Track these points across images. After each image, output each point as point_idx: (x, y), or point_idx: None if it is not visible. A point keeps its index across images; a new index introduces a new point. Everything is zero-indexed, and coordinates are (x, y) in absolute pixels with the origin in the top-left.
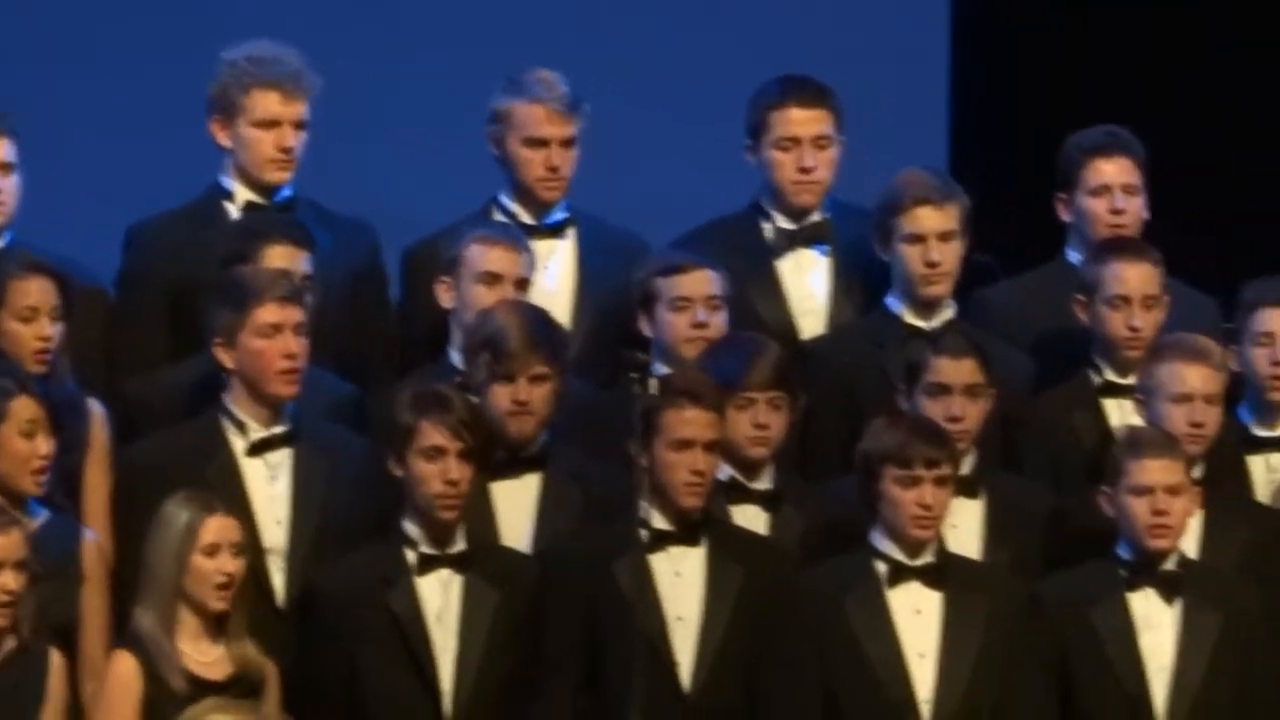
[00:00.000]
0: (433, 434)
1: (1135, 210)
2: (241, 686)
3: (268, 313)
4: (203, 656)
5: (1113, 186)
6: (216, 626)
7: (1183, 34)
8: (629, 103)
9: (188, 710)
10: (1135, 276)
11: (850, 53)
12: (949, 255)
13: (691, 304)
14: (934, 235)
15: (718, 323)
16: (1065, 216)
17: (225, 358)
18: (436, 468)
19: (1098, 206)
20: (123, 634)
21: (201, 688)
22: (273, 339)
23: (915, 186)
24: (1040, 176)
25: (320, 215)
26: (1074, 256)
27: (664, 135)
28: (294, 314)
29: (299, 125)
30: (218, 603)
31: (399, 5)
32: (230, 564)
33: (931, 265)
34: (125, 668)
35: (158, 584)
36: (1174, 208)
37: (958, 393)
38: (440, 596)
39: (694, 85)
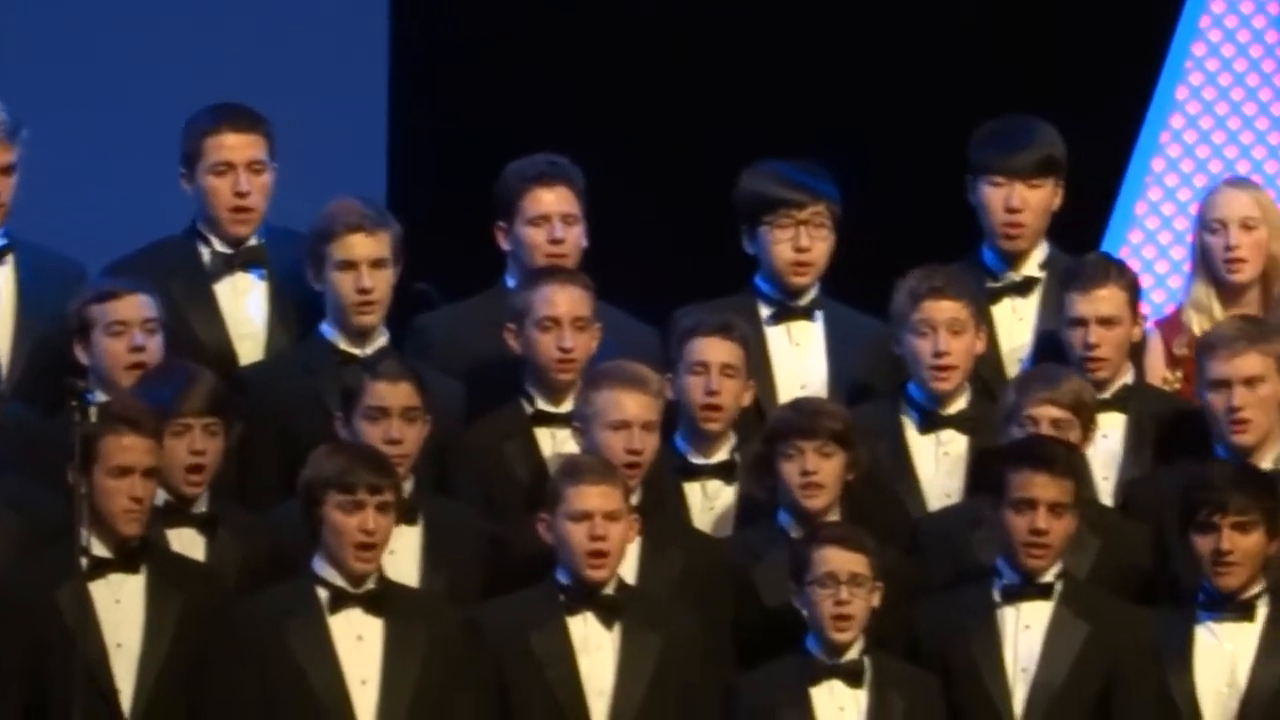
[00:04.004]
0: None
1: (574, 239)
2: None
3: None
4: None
5: (551, 215)
6: None
7: (621, 62)
8: (67, 129)
9: None
10: (564, 299)
11: (289, 80)
12: (381, 282)
13: (128, 328)
14: (366, 263)
15: (154, 346)
16: (505, 245)
17: None
18: None
19: (536, 235)
20: None
21: None
22: None
23: (346, 214)
24: (482, 204)
25: None
26: (513, 284)
27: (101, 161)
28: None
29: None
30: None
31: None
32: None
33: (364, 292)
34: None
35: None
36: (614, 237)
37: (395, 416)
38: None
39: (133, 111)
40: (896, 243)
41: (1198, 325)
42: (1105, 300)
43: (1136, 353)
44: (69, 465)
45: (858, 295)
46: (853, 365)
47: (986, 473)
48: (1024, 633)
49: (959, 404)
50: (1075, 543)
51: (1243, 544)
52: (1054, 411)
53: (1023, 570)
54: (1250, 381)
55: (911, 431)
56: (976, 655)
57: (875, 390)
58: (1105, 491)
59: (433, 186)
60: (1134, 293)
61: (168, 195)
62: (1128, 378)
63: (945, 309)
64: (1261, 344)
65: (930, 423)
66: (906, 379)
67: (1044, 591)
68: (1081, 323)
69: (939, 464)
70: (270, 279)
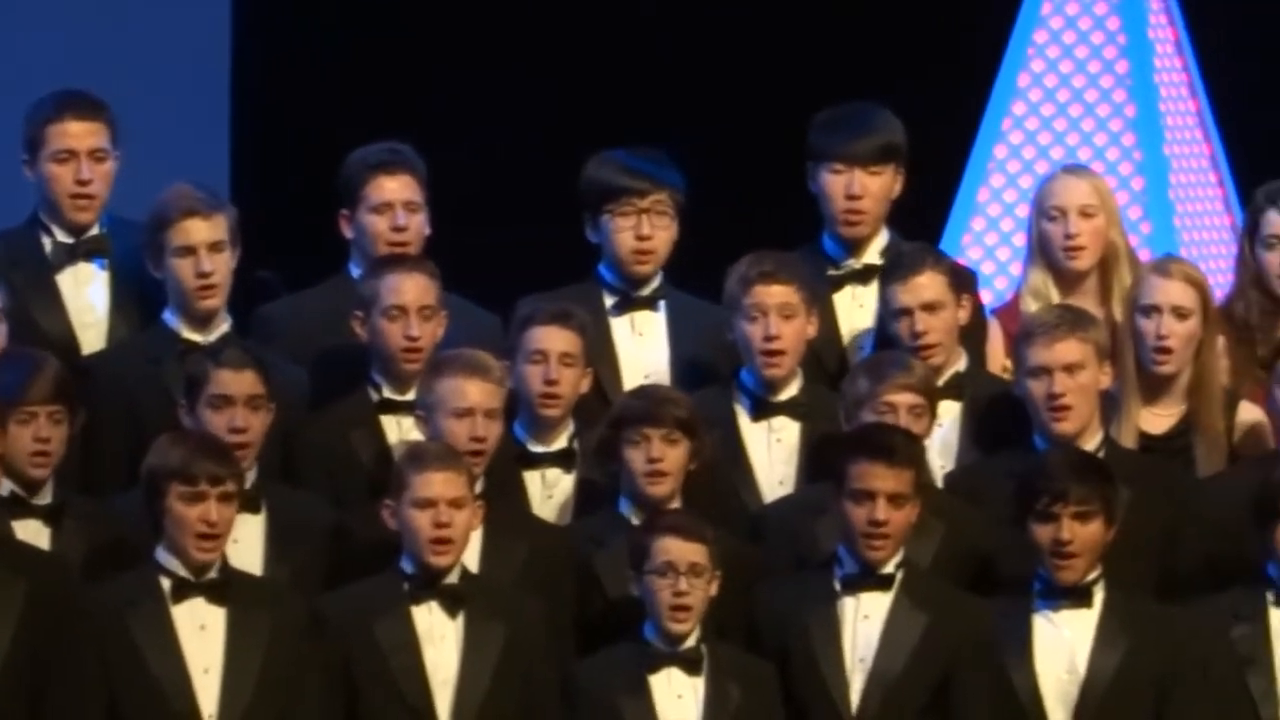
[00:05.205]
0: None
1: (417, 227)
2: None
3: None
4: None
5: (394, 203)
6: None
7: (464, 49)
8: None
9: None
10: (411, 287)
11: (131, 68)
12: (220, 265)
13: None
14: (203, 246)
15: None
16: (348, 233)
17: None
18: None
19: (379, 223)
20: None
21: None
22: None
23: (180, 200)
24: (325, 192)
25: None
26: (356, 273)
27: None
28: None
29: None
30: None
31: None
32: None
33: (203, 276)
34: None
35: None
36: (457, 224)
37: (239, 404)
38: None
39: None
40: (742, 230)
41: None
42: (925, 286)
43: (974, 340)
44: None
45: (704, 284)
46: (695, 353)
47: (827, 460)
48: (863, 622)
49: (791, 390)
50: (918, 528)
51: (1082, 533)
52: (911, 398)
53: (863, 560)
54: (1070, 368)
55: (744, 418)
56: (815, 644)
57: (717, 377)
58: (941, 480)
59: (275, 175)
60: (953, 276)
61: (9, 184)
62: (960, 365)
63: (776, 293)
64: (1080, 331)
65: (762, 409)
66: (740, 365)
67: (884, 582)
68: (906, 312)
69: (772, 451)
70: (111, 269)
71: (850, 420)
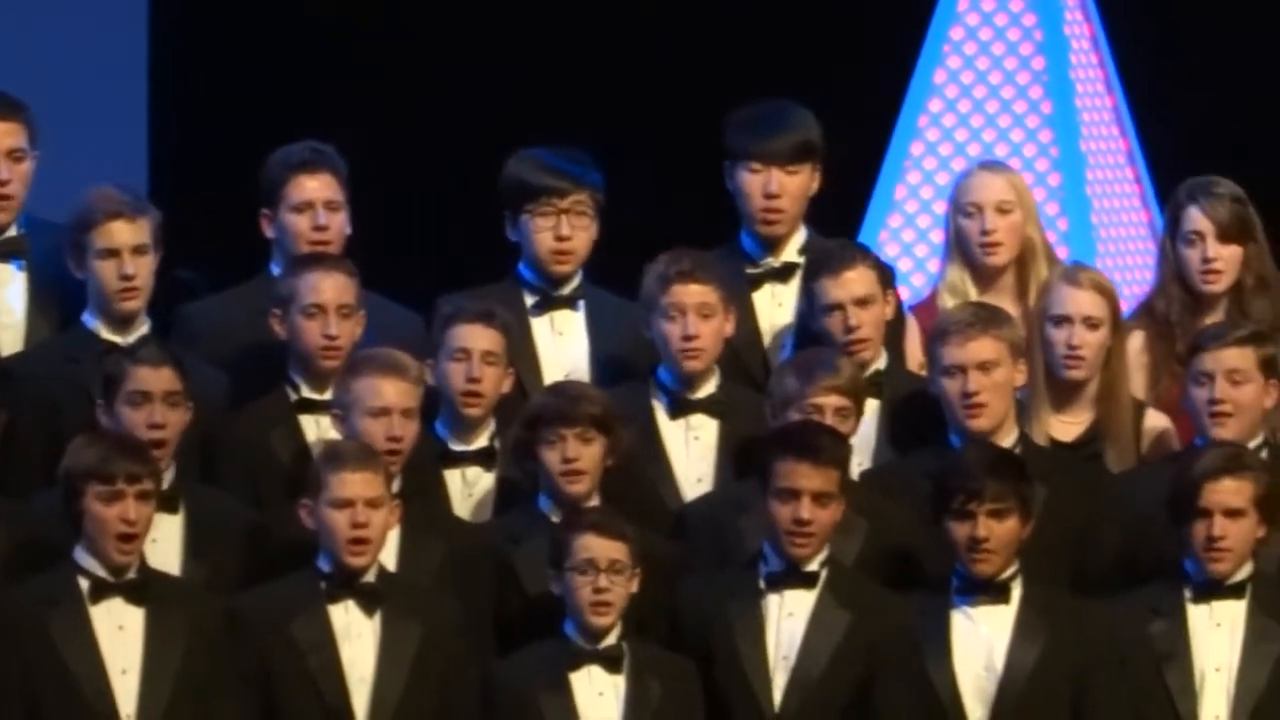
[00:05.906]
0: None
1: (338, 226)
2: None
3: None
4: None
5: (315, 202)
6: None
7: (383, 49)
8: None
9: None
10: (330, 286)
11: (48, 67)
12: (143, 269)
13: None
14: (127, 249)
15: None
16: (269, 233)
17: None
18: None
19: (300, 223)
20: None
21: None
22: None
23: (105, 202)
24: (246, 192)
25: None
26: (278, 272)
27: None
28: None
29: None
30: None
31: None
32: None
33: (126, 279)
34: None
35: None
36: (378, 223)
37: (157, 401)
38: None
39: None
40: (662, 228)
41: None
42: (856, 281)
43: (893, 336)
44: None
45: (624, 282)
46: (615, 350)
47: (753, 458)
48: (787, 620)
49: (708, 388)
50: (842, 526)
51: (998, 531)
52: (837, 400)
53: (787, 558)
54: (984, 366)
55: (662, 416)
56: (738, 642)
57: (637, 374)
58: (858, 478)
59: (195, 175)
60: (880, 271)
61: None
62: (880, 362)
63: (694, 293)
64: (994, 329)
65: (680, 407)
66: (657, 363)
67: (808, 580)
68: (838, 307)
69: (690, 448)
70: (29, 269)
71: (776, 418)
